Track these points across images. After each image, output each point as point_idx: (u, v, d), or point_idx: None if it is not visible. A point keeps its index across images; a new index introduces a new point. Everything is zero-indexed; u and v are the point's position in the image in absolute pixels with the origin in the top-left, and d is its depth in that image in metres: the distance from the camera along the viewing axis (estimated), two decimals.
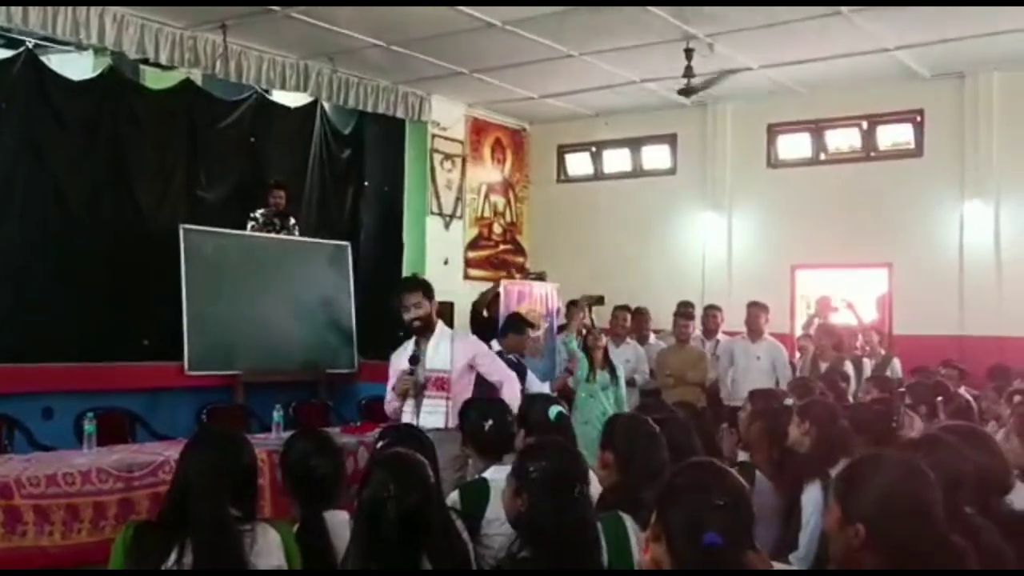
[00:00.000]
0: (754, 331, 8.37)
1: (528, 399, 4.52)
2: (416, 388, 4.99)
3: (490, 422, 3.56)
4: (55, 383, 6.97)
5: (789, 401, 4.54)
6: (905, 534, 2.01)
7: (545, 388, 6.66)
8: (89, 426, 5.30)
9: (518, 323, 6.64)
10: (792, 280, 10.52)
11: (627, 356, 8.43)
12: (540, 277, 10.62)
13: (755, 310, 8.39)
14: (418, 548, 2.27)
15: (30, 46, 7.89)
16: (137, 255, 8.32)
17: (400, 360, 5.16)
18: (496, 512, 3.15)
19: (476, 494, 3.35)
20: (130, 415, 6.88)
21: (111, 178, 8.40)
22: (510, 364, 5.94)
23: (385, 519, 2.23)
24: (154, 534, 2.49)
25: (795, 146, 10.72)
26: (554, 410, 3.77)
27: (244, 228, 8.78)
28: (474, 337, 5.80)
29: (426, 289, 5.16)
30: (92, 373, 7.26)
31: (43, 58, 8.04)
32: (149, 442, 6.24)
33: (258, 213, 8.88)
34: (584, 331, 8.35)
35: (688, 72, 8.77)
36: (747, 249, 10.88)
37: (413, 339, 5.15)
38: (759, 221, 10.85)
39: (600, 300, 9.36)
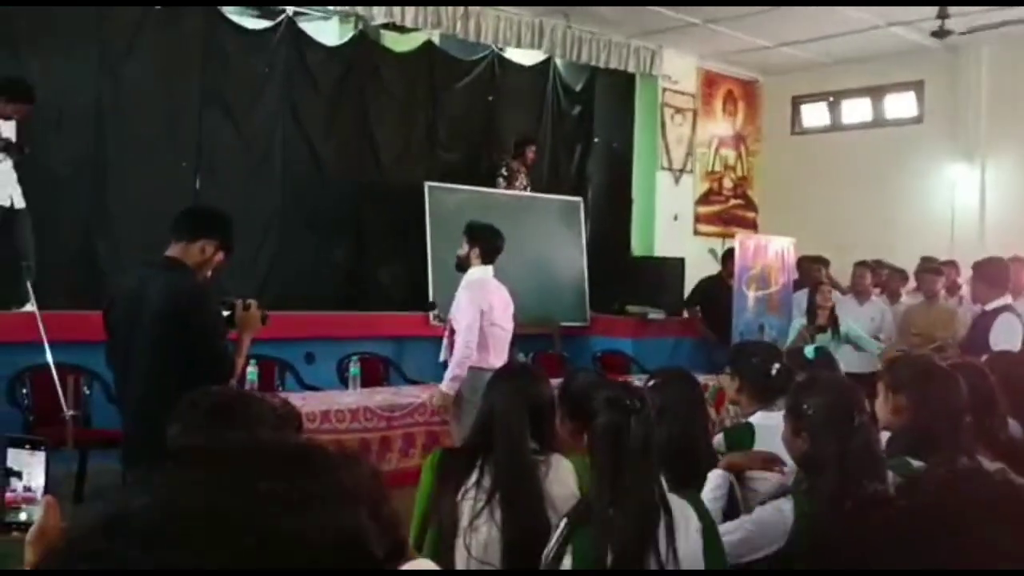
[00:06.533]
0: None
1: (737, 348, 4.43)
2: None
3: (776, 366, 3.51)
4: (317, 330, 7.44)
5: None
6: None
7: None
8: (354, 369, 5.70)
9: None
10: None
11: (872, 315, 8.05)
12: None
13: (1020, 266, 7.80)
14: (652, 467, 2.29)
15: (290, 15, 8.40)
16: (381, 211, 8.76)
17: None
18: None
19: (740, 437, 3.39)
20: (385, 360, 7.30)
21: (358, 139, 8.84)
22: None
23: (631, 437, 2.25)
24: (458, 457, 2.68)
25: None
26: (810, 349, 3.70)
27: (480, 185, 9.05)
28: None
29: None
30: (350, 321, 7.73)
31: (300, 25, 8.54)
32: (404, 386, 6.61)
33: (503, 169, 9.15)
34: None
35: (942, 12, 8.22)
36: (1002, 200, 10.14)
37: None
38: (1017, 171, 10.08)
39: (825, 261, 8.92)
